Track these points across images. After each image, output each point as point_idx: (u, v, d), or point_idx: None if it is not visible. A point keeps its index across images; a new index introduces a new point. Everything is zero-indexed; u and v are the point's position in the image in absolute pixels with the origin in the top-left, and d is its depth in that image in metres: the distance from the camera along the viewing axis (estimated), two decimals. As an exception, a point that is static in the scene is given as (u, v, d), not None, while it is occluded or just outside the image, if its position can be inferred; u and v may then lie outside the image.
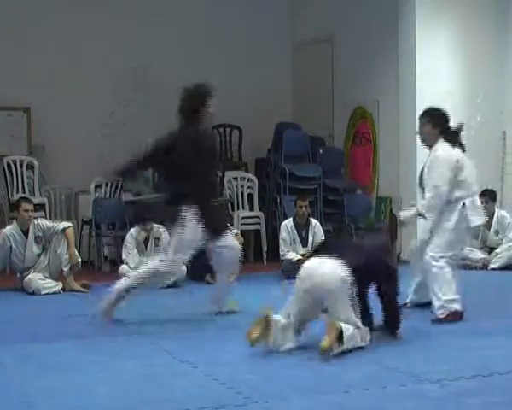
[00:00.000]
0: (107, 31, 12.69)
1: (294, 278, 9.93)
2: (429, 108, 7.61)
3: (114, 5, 12.90)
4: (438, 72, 12.00)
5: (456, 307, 7.06)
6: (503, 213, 11.45)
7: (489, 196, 11.36)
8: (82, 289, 9.42)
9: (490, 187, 11.50)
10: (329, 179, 12.76)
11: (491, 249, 11.32)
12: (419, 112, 11.67)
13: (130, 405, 4.64)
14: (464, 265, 11.05)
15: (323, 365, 5.56)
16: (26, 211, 9.56)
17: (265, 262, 12.04)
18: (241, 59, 13.56)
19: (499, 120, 12.34)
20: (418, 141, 11.73)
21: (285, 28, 13.98)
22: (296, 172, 12.54)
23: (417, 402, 4.70)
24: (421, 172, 7.46)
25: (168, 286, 9.34)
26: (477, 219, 7.22)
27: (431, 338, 6.53)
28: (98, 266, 11.38)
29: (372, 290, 6.46)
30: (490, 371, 5.35)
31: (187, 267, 9.82)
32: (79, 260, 9.69)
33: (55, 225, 9.66)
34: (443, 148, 7.24)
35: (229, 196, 12.44)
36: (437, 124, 7.35)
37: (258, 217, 12.38)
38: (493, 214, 11.37)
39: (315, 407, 4.65)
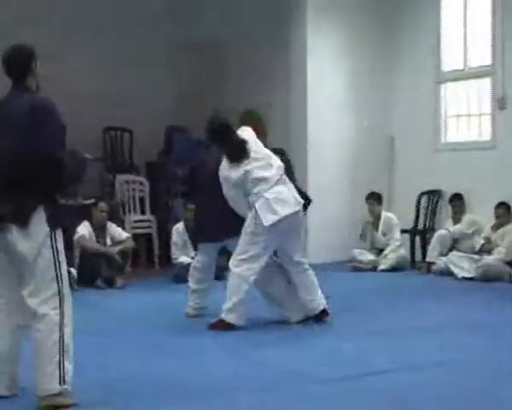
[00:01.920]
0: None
1: (186, 281, 10.00)
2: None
3: None
4: (327, 76, 12.18)
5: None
6: (389, 214, 11.69)
7: (375, 199, 11.60)
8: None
9: (377, 190, 11.74)
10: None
11: (379, 251, 11.54)
12: (310, 117, 12.03)
13: None
14: (354, 267, 11.30)
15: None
16: None
17: (157, 266, 11.96)
18: (130, 61, 13.40)
19: (388, 125, 12.59)
20: (309, 145, 12.04)
21: (172, 30, 13.83)
22: (183, 176, 12.46)
23: (303, 404, 4.76)
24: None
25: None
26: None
27: (312, 340, 6.60)
28: None
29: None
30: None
31: (77, 271, 9.70)
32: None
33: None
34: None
35: (121, 199, 12.30)
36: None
37: (149, 221, 12.30)
38: (380, 216, 11.59)
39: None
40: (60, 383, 4.53)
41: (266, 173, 6.98)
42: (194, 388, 5.09)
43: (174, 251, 10.66)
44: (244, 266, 6.86)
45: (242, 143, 7.12)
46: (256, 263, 6.85)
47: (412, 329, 7.03)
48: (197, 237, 8.15)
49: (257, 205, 6.84)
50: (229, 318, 6.88)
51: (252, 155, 7.05)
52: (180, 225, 10.77)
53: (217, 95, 13.53)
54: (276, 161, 7.16)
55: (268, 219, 6.79)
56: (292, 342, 6.47)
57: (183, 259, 10.51)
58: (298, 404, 4.77)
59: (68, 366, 4.60)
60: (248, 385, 5.14)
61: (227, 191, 7.07)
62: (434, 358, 5.83)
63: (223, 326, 6.86)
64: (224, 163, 7.15)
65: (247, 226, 6.91)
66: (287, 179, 7.14)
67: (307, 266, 7.25)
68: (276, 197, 6.89)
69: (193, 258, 10.32)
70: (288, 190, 7.05)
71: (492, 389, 5.04)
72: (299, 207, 7.10)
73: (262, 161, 7.07)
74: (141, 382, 5.21)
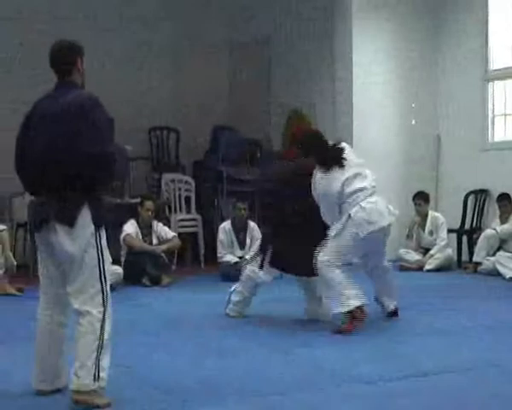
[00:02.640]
0: None
1: (232, 280, 10.03)
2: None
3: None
4: (373, 75, 12.13)
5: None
6: (436, 214, 11.62)
7: (422, 198, 11.54)
8: (17, 293, 9.28)
9: (425, 189, 11.67)
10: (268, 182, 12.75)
11: (426, 250, 11.48)
12: (355, 115, 11.99)
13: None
14: (401, 266, 11.24)
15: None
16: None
17: (203, 265, 12.00)
18: (180, 59, 13.51)
19: (434, 124, 12.52)
20: (355, 143, 11.99)
21: (222, 29, 13.91)
22: (233, 175, 12.54)
23: (351, 403, 4.74)
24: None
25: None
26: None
27: (361, 338, 6.57)
28: (33, 269, 11.20)
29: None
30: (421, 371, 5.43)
31: (123, 270, 9.79)
32: (15, 263, 9.56)
33: (-12, 228, 9.52)
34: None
35: (167, 198, 12.38)
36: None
37: (195, 219, 12.34)
38: (427, 216, 11.53)
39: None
40: (94, 379, 4.53)
41: (363, 183, 6.94)
42: (244, 387, 5.09)
43: (220, 250, 10.70)
44: (336, 271, 6.74)
45: (339, 150, 7.05)
46: (345, 268, 6.81)
47: (464, 329, 6.97)
48: (278, 264, 7.40)
49: (352, 213, 6.76)
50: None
51: (347, 163, 6.97)
52: (227, 224, 10.81)
53: (263, 94, 13.58)
54: (368, 171, 7.15)
55: (364, 230, 6.74)
56: (341, 341, 6.44)
57: (229, 257, 10.55)
58: (346, 404, 4.76)
59: (106, 365, 4.60)
60: (297, 384, 5.13)
61: (323, 201, 6.93)
62: (487, 357, 5.78)
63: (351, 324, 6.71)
64: (320, 175, 6.96)
65: (337, 233, 6.77)
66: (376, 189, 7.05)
67: (390, 269, 7.56)
68: (373, 208, 6.86)
69: (240, 257, 10.43)
70: (381, 201, 7.06)
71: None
72: (393, 218, 7.17)
73: (357, 169, 7.02)
74: (191, 381, 5.20)
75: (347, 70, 12.07)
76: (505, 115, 11.99)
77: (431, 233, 11.51)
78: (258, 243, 8.12)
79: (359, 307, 6.64)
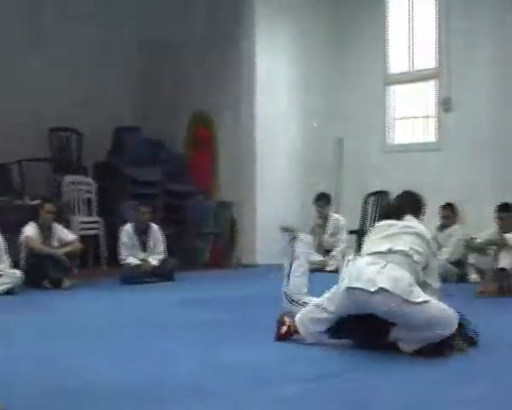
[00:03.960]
0: None
1: (134, 283, 9.98)
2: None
3: None
4: (276, 78, 12.24)
5: None
6: (338, 216, 11.77)
7: (324, 200, 11.67)
8: None
9: (326, 191, 11.81)
10: (171, 184, 12.74)
11: (327, 252, 11.61)
12: (259, 118, 12.07)
13: None
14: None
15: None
16: None
17: (105, 267, 11.89)
18: (83, 59, 13.34)
19: (336, 126, 12.69)
20: (257, 146, 12.08)
21: (129, 29, 13.77)
22: (137, 177, 12.45)
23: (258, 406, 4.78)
24: None
25: (5, 293, 9.12)
26: None
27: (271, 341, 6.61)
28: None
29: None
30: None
31: (23, 273, 9.62)
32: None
33: None
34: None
35: (67, 200, 12.19)
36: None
37: (96, 222, 12.21)
38: (328, 218, 11.67)
39: None
40: None
41: None
42: (159, 391, 5.05)
43: (122, 252, 10.62)
44: None
45: None
46: None
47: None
48: None
49: None
50: None
51: None
52: (129, 226, 10.73)
53: (167, 95, 13.54)
54: None
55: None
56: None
57: (131, 260, 10.48)
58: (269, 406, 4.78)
59: None
60: (201, 388, 5.12)
61: None
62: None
63: None
64: None
65: None
66: None
67: None
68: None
69: (142, 260, 10.40)
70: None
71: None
72: None
73: None
74: (104, 386, 5.10)
75: (250, 73, 12.14)
76: (405, 118, 12.26)
77: (332, 235, 11.66)
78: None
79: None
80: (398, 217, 6.42)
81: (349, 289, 5.85)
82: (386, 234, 6.20)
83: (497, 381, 5.20)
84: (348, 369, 5.56)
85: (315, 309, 6.17)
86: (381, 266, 5.88)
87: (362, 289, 5.77)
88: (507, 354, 5.97)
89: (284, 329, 6.27)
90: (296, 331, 6.22)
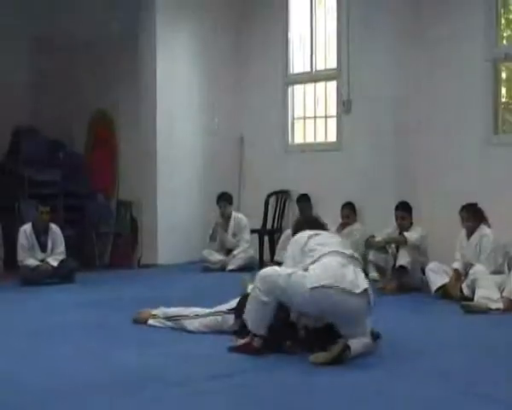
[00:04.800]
0: None
1: (33, 284, 9.80)
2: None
3: None
4: (177, 76, 12.19)
5: None
6: (240, 215, 11.80)
7: (226, 199, 11.68)
8: None
9: (228, 191, 11.82)
10: (70, 184, 12.56)
11: (229, 251, 11.63)
12: (160, 116, 11.99)
13: None
14: (204, 267, 11.35)
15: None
16: None
17: (2, 270, 11.63)
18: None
19: (237, 126, 12.73)
20: (158, 146, 12.01)
21: (23, 25, 13.45)
22: (35, 177, 12.24)
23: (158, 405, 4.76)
24: None
25: None
26: None
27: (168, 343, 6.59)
28: None
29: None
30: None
31: None
32: None
33: None
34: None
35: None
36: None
37: (-6, 223, 11.93)
38: (230, 217, 11.68)
39: None
40: None
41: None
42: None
43: (21, 253, 10.40)
44: None
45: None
46: None
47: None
48: None
49: None
50: None
51: None
52: (27, 227, 10.52)
53: (66, 95, 13.33)
54: None
55: None
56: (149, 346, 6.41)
57: (31, 261, 10.28)
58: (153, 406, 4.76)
59: None
60: (102, 386, 5.09)
61: None
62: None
63: None
64: None
65: None
66: None
67: None
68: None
69: (41, 260, 10.22)
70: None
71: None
72: None
73: None
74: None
75: (151, 69, 12.04)
76: (304, 118, 12.38)
77: (234, 235, 11.68)
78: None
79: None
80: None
81: (323, 288, 5.74)
82: (336, 240, 6.40)
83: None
84: (245, 369, 5.61)
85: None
86: (353, 268, 5.98)
87: (343, 290, 5.77)
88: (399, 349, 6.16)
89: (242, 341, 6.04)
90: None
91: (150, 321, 7.08)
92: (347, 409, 4.71)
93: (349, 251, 6.20)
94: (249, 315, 6.03)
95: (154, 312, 7.16)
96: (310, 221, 6.82)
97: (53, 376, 5.42)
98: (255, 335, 5.95)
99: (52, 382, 5.26)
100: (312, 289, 5.74)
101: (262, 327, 5.95)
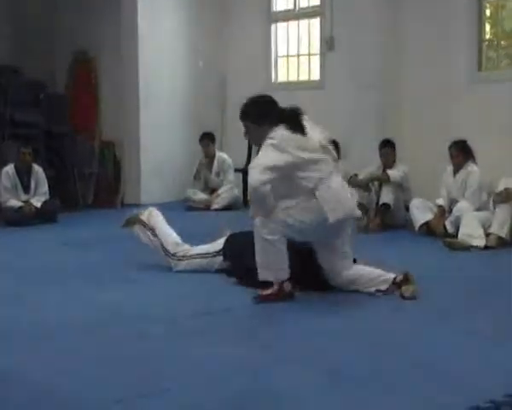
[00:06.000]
0: None
1: (16, 225, 9.81)
2: (245, 104, 6.33)
3: None
4: (161, 18, 12.06)
5: None
6: (224, 155, 11.77)
7: (209, 138, 11.65)
8: None
9: (212, 130, 11.79)
10: (52, 125, 12.47)
11: (212, 191, 11.63)
12: (142, 57, 11.89)
13: None
14: (188, 206, 11.37)
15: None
16: None
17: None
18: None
19: (220, 65, 12.64)
20: (140, 85, 11.92)
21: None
22: (16, 118, 12.13)
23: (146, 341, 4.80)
24: None
25: None
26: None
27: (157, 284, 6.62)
28: None
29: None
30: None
31: None
32: None
33: None
34: (273, 133, 5.83)
35: None
36: (262, 120, 6.01)
37: (-24, 164, 11.85)
38: (214, 157, 11.66)
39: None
40: None
41: None
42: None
43: (3, 195, 10.37)
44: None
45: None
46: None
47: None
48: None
49: None
50: None
51: None
52: (10, 168, 10.49)
53: (47, 34, 13.17)
54: None
55: None
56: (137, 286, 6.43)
57: (14, 202, 10.26)
58: (142, 341, 4.82)
59: None
60: (90, 325, 5.14)
61: None
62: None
63: None
64: None
65: None
66: None
67: None
68: None
69: (25, 202, 10.20)
70: None
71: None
72: None
73: None
74: None
75: (133, 12, 11.89)
76: (287, 56, 12.29)
77: (218, 174, 11.67)
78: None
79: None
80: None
81: (338, 220, 5.68)
82: (321, 147, 5.94)
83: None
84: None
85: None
86: (346, 185, 6.12)
87: (353, 217, 5.95)
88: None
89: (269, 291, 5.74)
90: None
91: (136, 228, 7.01)
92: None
93: (334, 156, 6.04)
94: (267, 265, 5.69)
95: (143, 217, 7.04)
96: (291, 119, 5.98)
97: (37, 316, 5.46)
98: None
99: (36, 321, 5.29)
100: (333, 221, 5.63)
101: (285, 270, 5.72)
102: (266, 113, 6.02)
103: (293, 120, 5.92)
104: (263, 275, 5.75)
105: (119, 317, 5.37)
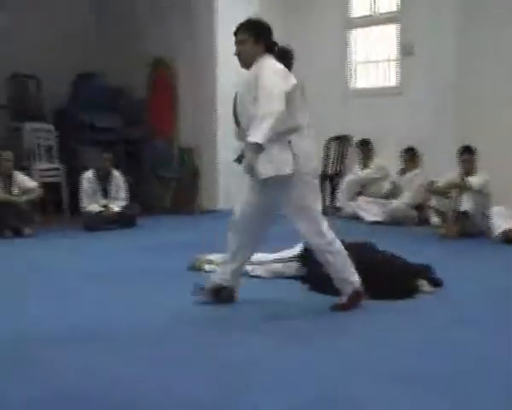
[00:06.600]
0: None
1: (96, 229, 9.97)
2: (247, 20, 6.24)
3: None
4: (238, 17, 12.07)
5: None
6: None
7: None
8: None
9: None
10: (131, 130, 12.64)
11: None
12: (219, 61, 11.95)
13: None
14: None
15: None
16: None
17: (67, 215, 11.79)
18: (42, 4, 13.08)
19: (297, 72, 12.59)
20: (218, 91, 11.98)
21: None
22: (97, 124, 12.34)
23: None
24: (235, 103, 6.25)
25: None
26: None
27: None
28: None
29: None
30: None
31: None
32: None
33: None
34: (269, 60, 5.89)
35: (28, 147, 12.04)
36: (261, 38, 5.99)
37: (57, 169, 12.07)
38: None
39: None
40: None
41: None
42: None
43: (83, 199, 10.56)
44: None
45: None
46: None
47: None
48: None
49: None
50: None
51: None
52: (90, 173, 10.67)
53: (126, 41, 13.37)
54: None
55: None
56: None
57: (93, 207, 10.43)
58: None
59: None
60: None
61: None
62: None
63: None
64: None
65: None
66: None
67: None
68: None
69: (104, 206, 10.36)
70: None
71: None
72: None
73: None
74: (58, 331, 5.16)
75: (210, 21, 11.97)
76: (366, 63, 12.22)
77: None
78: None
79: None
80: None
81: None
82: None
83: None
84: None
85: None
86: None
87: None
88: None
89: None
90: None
91: (206, 267, 7.05)
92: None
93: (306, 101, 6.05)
94: (344, 275, 5.62)
95: (210, 257, 7.12)
96: (283, 54, 6.12)
97: (99, 318, 5.56)
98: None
99: (95, 324, 5.39)
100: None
101: (356, 275, 5.66)
102: (266, 34, 6.07)
103: (283, 56, 6.09)
104: (339, 285, 5.70)
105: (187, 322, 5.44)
